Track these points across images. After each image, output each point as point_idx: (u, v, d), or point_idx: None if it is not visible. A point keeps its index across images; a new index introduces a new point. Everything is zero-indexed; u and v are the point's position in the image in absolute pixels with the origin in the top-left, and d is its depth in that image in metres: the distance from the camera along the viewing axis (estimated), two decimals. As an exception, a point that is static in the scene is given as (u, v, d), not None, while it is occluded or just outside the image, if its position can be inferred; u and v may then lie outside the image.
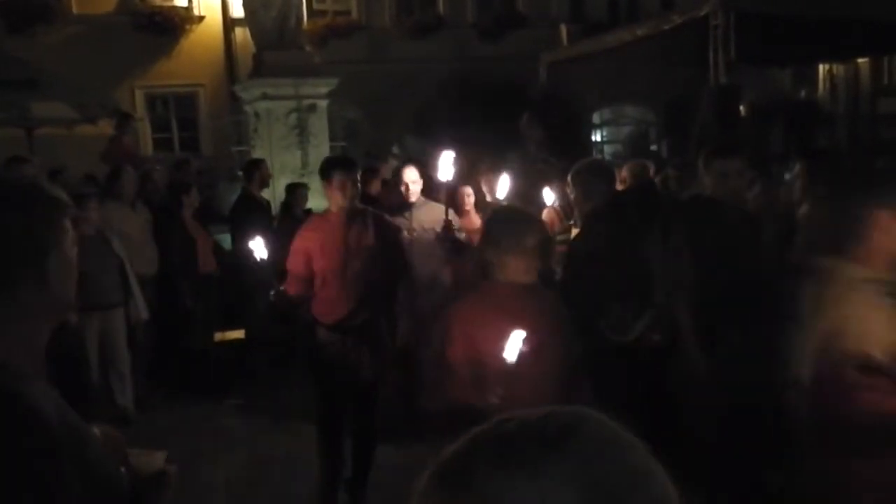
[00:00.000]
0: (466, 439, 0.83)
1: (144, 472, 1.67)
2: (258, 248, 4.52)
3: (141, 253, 7.05)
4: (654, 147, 16.40)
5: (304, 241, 4.90)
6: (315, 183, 9.51)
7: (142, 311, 6.64)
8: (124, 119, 10.83)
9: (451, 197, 6.10)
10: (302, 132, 10.11)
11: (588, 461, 0.78)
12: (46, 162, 10.03)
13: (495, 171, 6.76)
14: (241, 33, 15.34)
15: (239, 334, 7.97)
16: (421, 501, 0.82)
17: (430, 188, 6.14)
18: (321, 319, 4.89)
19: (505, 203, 5.96)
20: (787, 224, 4.61)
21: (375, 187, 9.28)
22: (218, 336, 7.92)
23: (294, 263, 4.89)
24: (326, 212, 5.02)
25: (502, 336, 2.83)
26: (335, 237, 4.83)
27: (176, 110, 16.66)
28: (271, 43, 10.27)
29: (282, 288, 4.78)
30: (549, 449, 0.78)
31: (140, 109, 15.59)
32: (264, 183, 8.13)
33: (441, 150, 5.01)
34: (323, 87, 10.36)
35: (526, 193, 6.06)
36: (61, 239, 1.54)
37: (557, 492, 0.76)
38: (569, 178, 4.59)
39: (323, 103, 10.42)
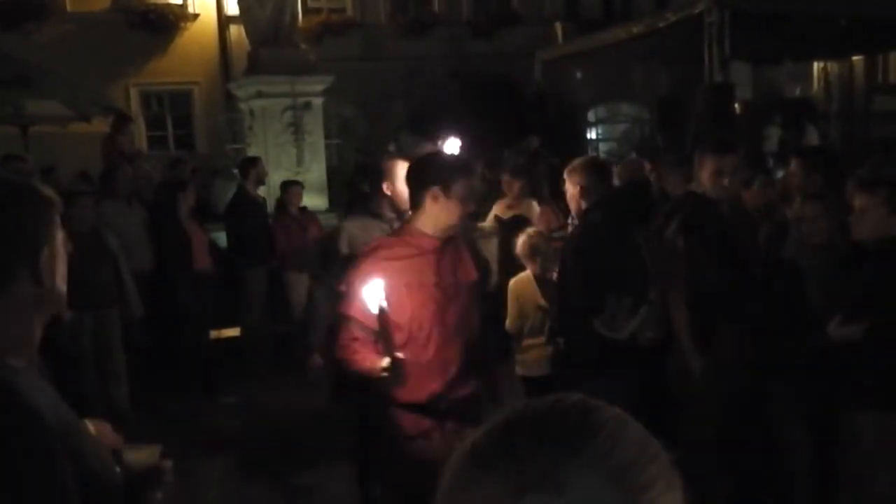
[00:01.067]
0: (497, 422, 0.85)
1: (139, 467, 1.68)
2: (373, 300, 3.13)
3: (136, 250, 7.04)
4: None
5: (382, 270, 3.23)
6: (309, 181, 9.55)
7: (136, 308, 6.63)
8: (122, 120, 10.80)
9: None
10: (297, 130, 10.10)
11: (613, 442, 0.81)
12: (41, 160, 10.01)
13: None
14: (235, 31, 15.31)
15: (234, 332, 7.96)
16: (454, 480, 0.83)
17: None
18: (402, 397, 3.28)
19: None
20: (781, 221, 4.62)
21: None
22: (213, 334, 7.91)
23: (362, 309, 3.20)
24: (409, 230, 3.42)
25: None
26: (429, 272, 3.34)
27: (171, 108, 16.62)
28: (266, 40, 10.25)
29: (399, 356, 3.13)
30: (580, 431, 0.81)
31: (135, 107, 15.55)
32: (260, 181, 8.14)
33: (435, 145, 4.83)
34: (318, 84, 10.34)
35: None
36: (53, 235, 1.56)
37: (591, 471, 0.79)
38: (565, 175, 4.59)
39: (318, 101, 10.40)
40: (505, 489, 0.78)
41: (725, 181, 4.15)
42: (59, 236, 1.59)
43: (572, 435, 0.81)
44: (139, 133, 15.53)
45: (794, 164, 4.92)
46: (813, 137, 14.85)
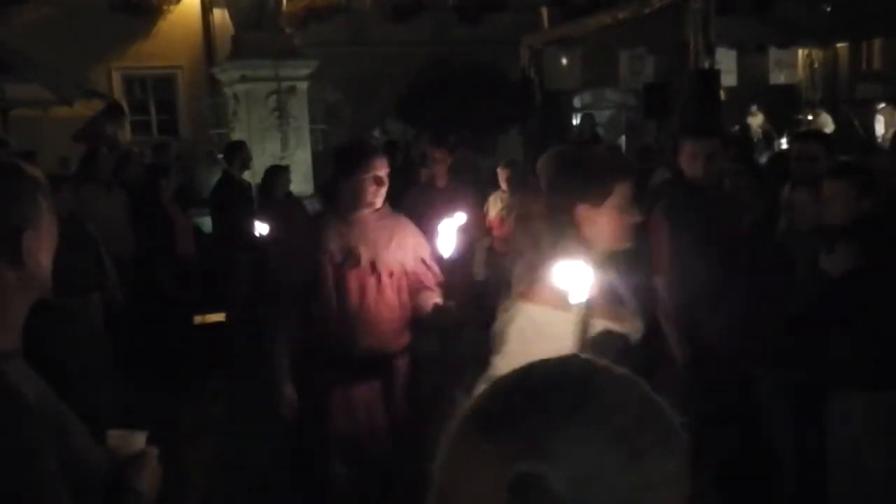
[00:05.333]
0: (495, 388, 0.85)
1: (125, 452, 1.67)
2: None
3: (118, 236, 6.98)
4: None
5: None
6: (294, 166, 9.49)
7: (117, 294, 6.57)
8: (115, 109, 10.68)
9: None
10: (282, 115, 10.04)
11: (612, 406, 0.81)
12: (22, 144, 9.92)
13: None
14: (219, 14, 15.17)
15: (219, 317, 7.93)
16: (454, 445, 0.83)
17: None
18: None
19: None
20: (769, 207, 4.63)
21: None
22: (198, 319, 7.88)
23: None
24: None
25: None
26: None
27: (154, 93, 16.48)
28: (250, 24, 10.18)
29: None
30: (580, 395, 0.81)
31: (117, 92, 15.39)
32: (245, 165, 8.10)
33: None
34: (303, 69, 10.28)
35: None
36: (38, 216, 1.53)
37: (589, 434, 0.79)
38: (539, 164, 4.58)
39: (303, 85, 10.34)
40: (499, 455, 0.78)
41: (702, 165, 4.14)
42: (46, 217, 1.56)
43: (571, 399, 0.80)
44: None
45: (781, 150, 4.91)
46: (827, 123, 14.83)
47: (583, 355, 0.88)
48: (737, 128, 14.32)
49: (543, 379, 0.84)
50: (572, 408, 0.80)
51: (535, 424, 0.79)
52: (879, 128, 14.30)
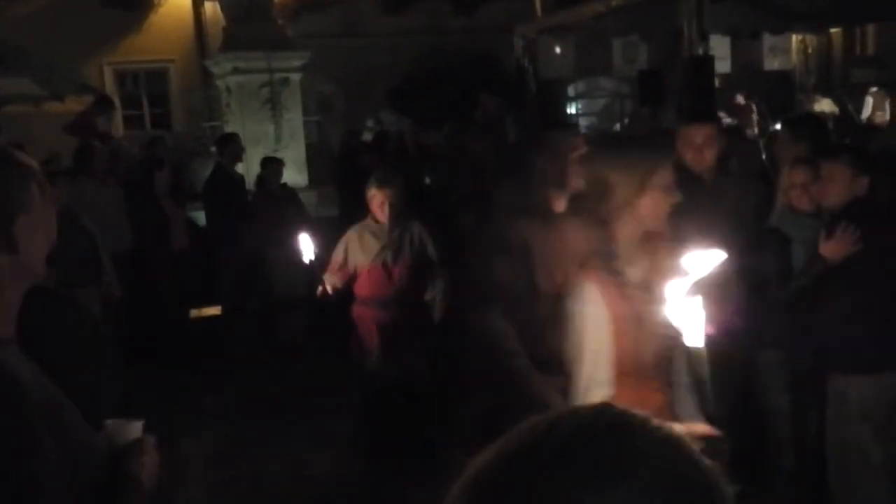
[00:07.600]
0: (509, 449, 0.69)
1: (122, 441, 1.66)
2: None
3: (113, 229, 6.95)
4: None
5: None
6: (288, 158, 9.45)
7: (114, 288, 6.55)
8: (104, 102, 10.63)
9: None
10: (275, 107, 9.99)
11: (659, 473, 0.67)
12: (13, 140, 9.86)
13: None
14: (210, 7, 15.10)
15: (215, 311, 7.91)
16: None
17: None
18: None
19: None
20: (766, 190, 4.61)
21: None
22: (194, 313, 7.86)
23: None
24: None
25: None
26: None
27: (146, 87, 16.40)
28: (242, 16, 10.12)
29: None
30: (618, 455, 0.67)
31: (109, 86, 15.32)
32: (237, 158, 8.05)
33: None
34: (296, 60, 10.23)
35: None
36: (30, 203, 1.52)
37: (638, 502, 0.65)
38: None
39: (296, 77, 10.29)
40: None
41: (697, 152, 4.11)
42: (39, 205, 1.54)
43: (611, 460, 0.66)
44: (115, 113, 15.30)
45: (780, 132, 4.91)
46: (828, 106, 14.79)
47: (606, 413, 0.71)
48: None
49: (568, 442, 0.67)
50: (615, 476, 0.65)
51: (570, 492, 0.64)
52: (866, 110, 14.30)
